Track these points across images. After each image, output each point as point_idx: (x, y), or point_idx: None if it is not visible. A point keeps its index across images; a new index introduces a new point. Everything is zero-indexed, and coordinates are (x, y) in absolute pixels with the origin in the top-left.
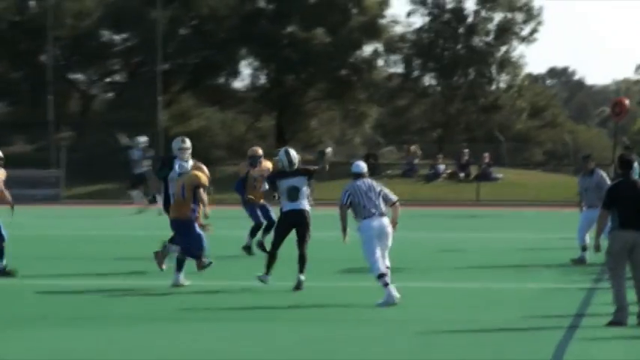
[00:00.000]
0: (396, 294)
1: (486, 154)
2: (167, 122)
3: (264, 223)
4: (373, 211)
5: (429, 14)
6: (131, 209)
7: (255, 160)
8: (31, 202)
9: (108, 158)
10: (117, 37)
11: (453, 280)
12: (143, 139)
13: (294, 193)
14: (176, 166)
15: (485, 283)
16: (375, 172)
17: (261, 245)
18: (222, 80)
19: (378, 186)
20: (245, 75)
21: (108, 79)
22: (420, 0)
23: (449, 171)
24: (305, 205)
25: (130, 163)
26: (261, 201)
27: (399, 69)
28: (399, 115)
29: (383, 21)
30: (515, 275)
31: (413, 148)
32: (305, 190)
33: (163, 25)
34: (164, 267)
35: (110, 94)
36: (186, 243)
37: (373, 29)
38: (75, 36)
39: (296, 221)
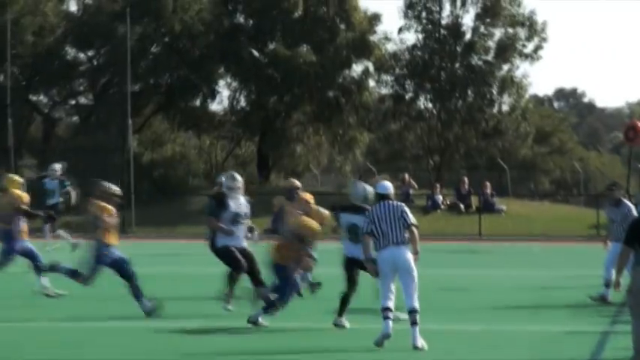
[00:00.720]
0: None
1: (488, 184)
2: (138, 148)
3: None
4: (388, 240)
5: (423, 31)
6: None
7: (291, 193)
8: None
9: (75, 188)
10: (82, 55)
11: (454, 321)
12: (58, 167)
13: (353, 232)
14: (230, 205)
15: (489, 324)
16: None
17: (312, 286)
18: (198, 102)
19: (399, 209)
20: (223, 96)
21: (73, 101)
22: (414, 15)
23: (448, 202)
24: None
25: (45, 195)
26: None
27: (392, 90)
28: (392, 141)
29: (373, 38)
30: (522, 316)
31: (408, 176)
32: None
33: (133, 41)
34: (230, 307)
35: (75, 118)
36: (281, 288)
37: (363, 47)
38: (36, 54)
39: (355, 269)
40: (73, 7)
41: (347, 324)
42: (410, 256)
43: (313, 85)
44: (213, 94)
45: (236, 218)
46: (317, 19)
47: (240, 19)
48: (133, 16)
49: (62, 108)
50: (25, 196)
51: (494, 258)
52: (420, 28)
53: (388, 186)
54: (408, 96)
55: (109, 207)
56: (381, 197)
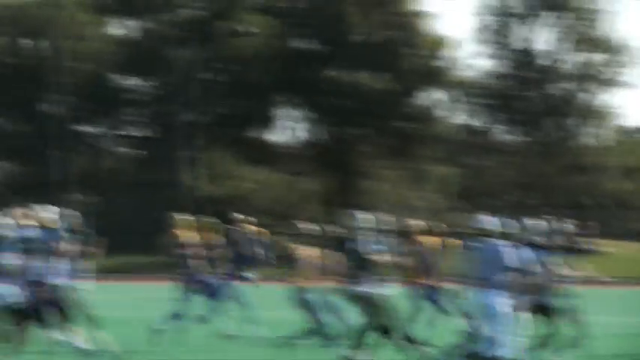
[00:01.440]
0: None
1: (574, 222)
2: (197, 182)
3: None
4: (478, 282)
5: (499, 57)
6: None
7: (405, 234)
8: None
9: (134, 225)
10: (134, 83)
11: None
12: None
13: None
14: (357, 248)
15: None
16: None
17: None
18: (260, 134)
19: (498, 249)
20: (285, 127)
21: (124, 132)
22: (488, 40)
23: None
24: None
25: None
26: (424, 281)
27: (467, 121)
28: (468, 175)
29: (445, 64)
30: None
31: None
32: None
33: (190, 69)
34: None
35: (128, 150)
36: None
37: (434, 73)
38: (85, 82)
39: None
40: (122, 32)
41: None
42: (501, 300)
43: (383, 116)
44: (276, 126)
45: (363, 263)
46: (384, 43)
47: (309, 44)
48: (189, 42)
49: (113, 139)
50: (189, 236)
51: (584, 302)
52: (496, 54)
53: (487, 221)
54: (485, 126)
55: (310, 251)
56: (481, 233)
